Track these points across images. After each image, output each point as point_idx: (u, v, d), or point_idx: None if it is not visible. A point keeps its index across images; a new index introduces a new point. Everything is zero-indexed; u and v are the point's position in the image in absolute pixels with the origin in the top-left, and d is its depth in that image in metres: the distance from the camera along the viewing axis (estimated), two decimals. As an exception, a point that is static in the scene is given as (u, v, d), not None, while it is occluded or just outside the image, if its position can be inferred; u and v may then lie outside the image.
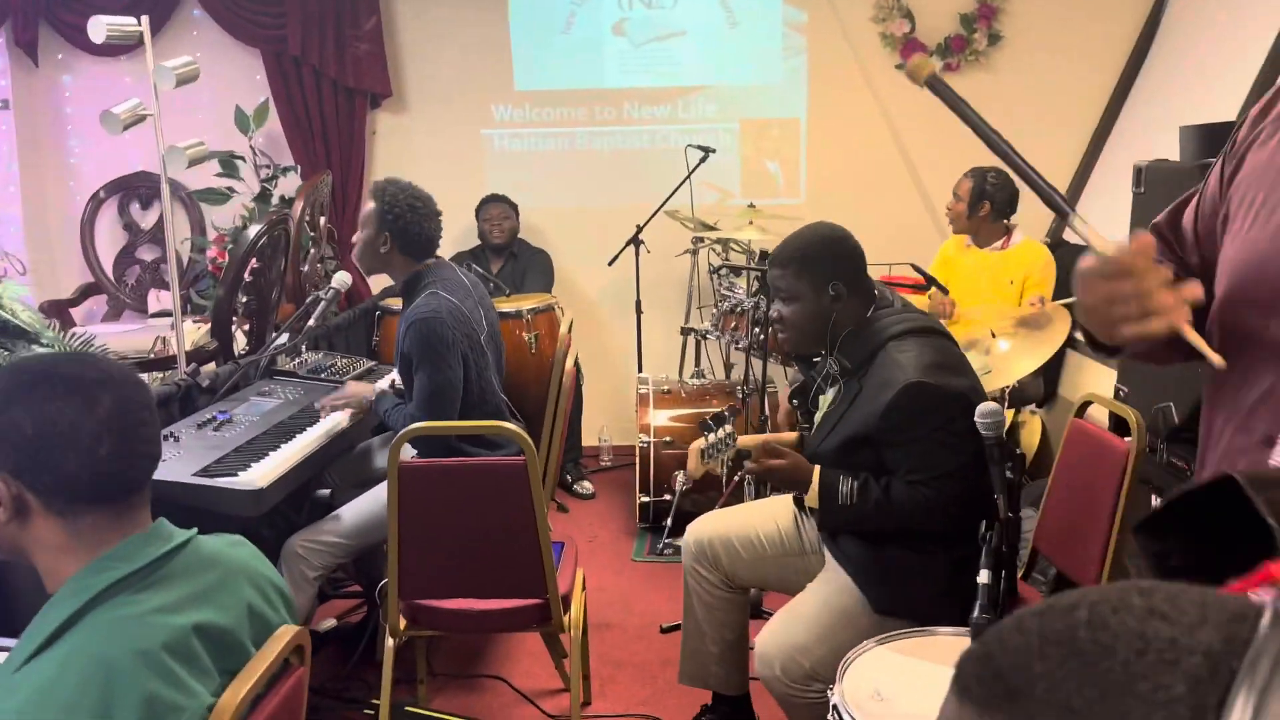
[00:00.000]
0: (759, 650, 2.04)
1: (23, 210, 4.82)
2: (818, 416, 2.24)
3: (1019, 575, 2.35)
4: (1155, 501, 2.52)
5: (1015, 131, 4.74)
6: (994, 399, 3.01)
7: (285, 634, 1.20)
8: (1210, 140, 2.37)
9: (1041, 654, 0.50)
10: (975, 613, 1.59)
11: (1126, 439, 2.14)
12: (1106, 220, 4.24)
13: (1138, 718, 0.46)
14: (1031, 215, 4.05)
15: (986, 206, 3.72)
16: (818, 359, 2.23)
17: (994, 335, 3.42)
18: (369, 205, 2.68)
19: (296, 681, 1.27)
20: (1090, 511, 2.19)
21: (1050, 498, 2.33)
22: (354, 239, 2.78)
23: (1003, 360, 3.36)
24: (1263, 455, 1.00)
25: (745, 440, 2.28)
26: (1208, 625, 0.48)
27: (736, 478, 3.66)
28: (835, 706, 1.47)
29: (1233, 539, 0.85)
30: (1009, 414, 3.41)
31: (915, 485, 1.95)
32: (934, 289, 3.39)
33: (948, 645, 1.65)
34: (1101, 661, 0.48)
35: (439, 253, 2.84)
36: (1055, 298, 3.76)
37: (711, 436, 2.17)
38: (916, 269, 3.47)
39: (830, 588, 2.10)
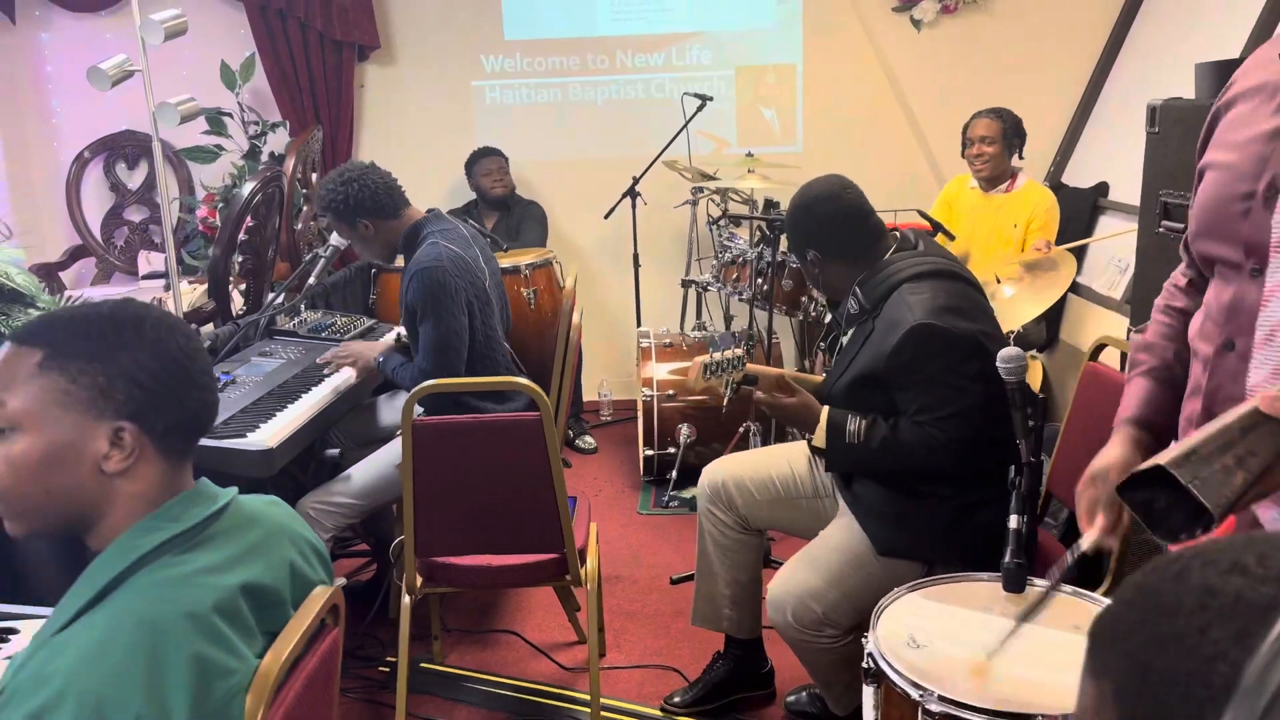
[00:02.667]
0: (771, 596, 2.06)
1: (6, 173, 4.71)
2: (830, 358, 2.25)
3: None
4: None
5: (1011, 73, 4.68)
6: (1001, 344, 3.01)
7: (322, 594, 1.19)
8: (1226, 77, 2.33)
9: (1129, 604, 0.51)
10: (1006, 557, 1.60)
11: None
12: (1113, 161, 4.21)
13: (1184, 669, 0.46)
14: (1029, 156, 4.02)
15: (1016, 145, 3.72)
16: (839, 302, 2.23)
17: (998, 280, 3.41)
18: (332, 223, 2.72)
19: (332, 641, 1.26)
20: (1105, 454, 2.20)
21: (1064, 441, 2.33)
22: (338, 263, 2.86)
23: (1007, 306, 3.34)
24: (1224, 360, 1.20)
25: (756, 368, 2.26)
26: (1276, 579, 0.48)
27: (741, 429, 3.66)
28: (870, 654, 1.47)
29: None
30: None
31: (922, 425, 1.97)
32: (941, 235, 3.36)
33: (980, 590, 1.65)
34: (1167, 615, 0.48)
35: (435, 205, 2.82)
36: (1058, 242, 3.74)
37: (717, 354, 2.16)
38: (923, 215, 3.43)
39: (842, 532, 2.11)
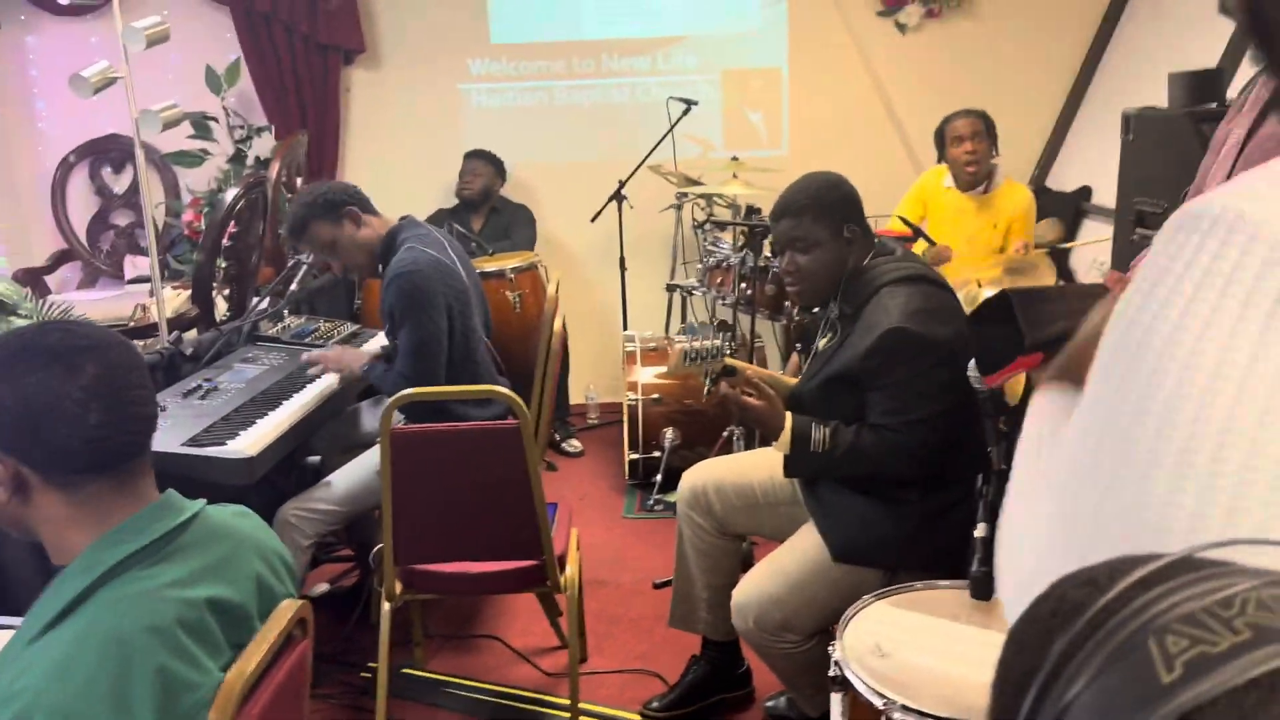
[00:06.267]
0: (735, 602, 2.09)
1: (-10, 176, 4.71)
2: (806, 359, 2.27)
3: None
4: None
5: (996, 77, 4.68)
6: (981, 350, 3.03)
7: (289, 608, 1.20)
8: (1198, 87, 2.36)
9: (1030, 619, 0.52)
10: (974, 566, 1.61)
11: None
12: (1095, 169, 4.24)
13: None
14: (1014, 160, 4.04)
15: (994, 142, 3.72)
16: (819, 309, 2.24)
17: (979, 284, 3.43)
18: (312, 230, 2.68)
19: (301, 654, 1.27)
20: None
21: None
22: (324, 266, 2.90)
23: (989, 310, 3.36)
24: None
25: (736, 362, 2.27)
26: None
27: (725, 433, 3.67)
28: (837, 663, 1.48)
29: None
30: (995, 364, 3.42)
31: (883, 430, 1.99)
32: (921, 241, 3.38)
33: (947, 599, 1.66)
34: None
35: (410, 212, 2.84)
36: (1038, 245, 3.76)
37: (699, 342, 2.16)
38: (905, 221, 3.46)
39: (805, 539, 2.13)
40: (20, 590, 2.11)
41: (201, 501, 1.17)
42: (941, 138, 3.80)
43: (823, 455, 2.03)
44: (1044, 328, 1.12)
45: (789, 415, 2.08)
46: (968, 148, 3.70)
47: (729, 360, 2.21)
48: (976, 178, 3.75)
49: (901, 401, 1.97)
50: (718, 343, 2.17)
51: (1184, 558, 0.52)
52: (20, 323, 2.63)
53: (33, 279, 4.57)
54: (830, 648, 1.52)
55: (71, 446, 1.05)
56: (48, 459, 1.06)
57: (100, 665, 0.96)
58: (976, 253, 3.71)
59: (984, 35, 4.62)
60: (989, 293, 3.38)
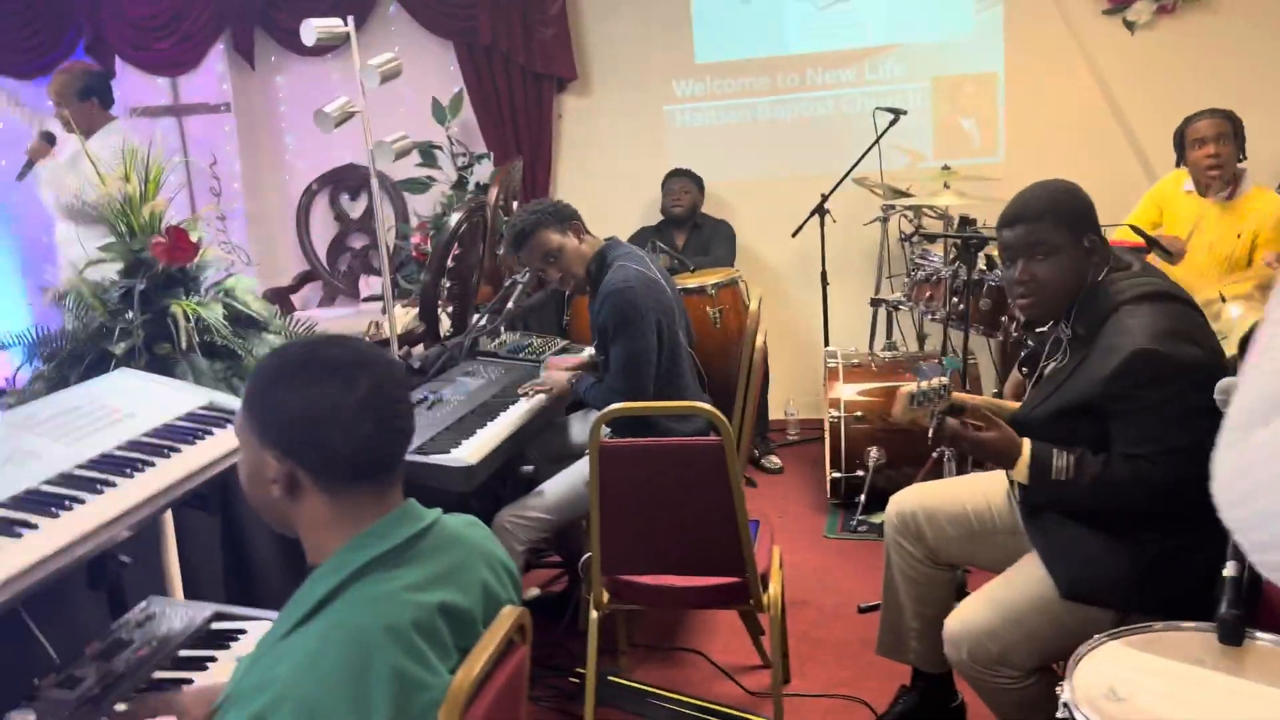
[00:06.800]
0: (947, 631, 1.99)
1: (245, 205, 5.22)
2: (1031, 383, 2.13)
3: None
4: None
5: (1238, 76, 4.33)
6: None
7: (511, 614, 1.25)
8: None
9: None
10: (1223, 607, 1.48)
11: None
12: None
13: None
14: (1266, 164, 3.69)
15: (1242, 145, 3.43)
16: (1043, 328, 2.10)
17: (1224, 299, 3.14)
18: (539, 236, 2.79)
19: (520, 659, 1.32)
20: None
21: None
22: (537, 284, 3.03)
23: (1232, 327, 3.08)
24: None
25: (963, 396, 2.15)
26: None
27: (935, 454, 3.54)
28: (1066, 704, 1.39)
29: None
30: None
31: (1136, 460, 1.82)
32: (1155, 253, 3.15)
33: (1190, 641, 1.53)
34: None
35: (614, 231, 2.96)
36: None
37: (924, 383, 2.04)
38: (1135, 229, 3.23)
39: (1027, 570, 2.00)
40: (270, 585, 2.31)
41: (438, 510, 1.24)
42: (1181, 140, 3.53)
43: (1066, 484, 1.88)
44: None
45: (1026, 442, 1.93)
46: (1210, 150, 3.42)
47: (957, 396, 2.08)
48: (1219, 183, 3.45)
49: (1152, 429, 1.79)
50: (944, 380, 2.04)
51: None
52: (271, 338, 2.89)
53: (279, 297, 5.03)
54: (1058, 688, 1.43)
55: (343, 454, 1.15)
56: (320, 463, 1.16)
57: (343, 660, 1.03)
58: (1217, 263, 3.41)
59: (1224, 30, 4.25)
60: (1235, 309, 3.10)
